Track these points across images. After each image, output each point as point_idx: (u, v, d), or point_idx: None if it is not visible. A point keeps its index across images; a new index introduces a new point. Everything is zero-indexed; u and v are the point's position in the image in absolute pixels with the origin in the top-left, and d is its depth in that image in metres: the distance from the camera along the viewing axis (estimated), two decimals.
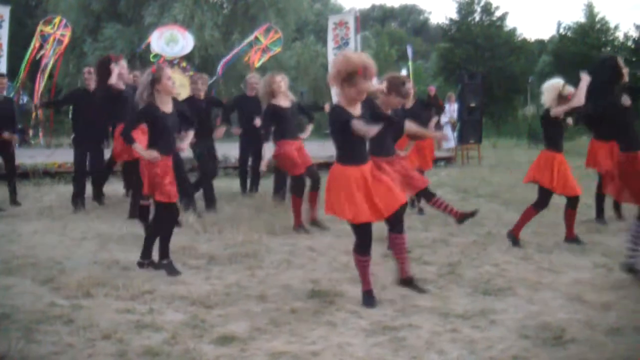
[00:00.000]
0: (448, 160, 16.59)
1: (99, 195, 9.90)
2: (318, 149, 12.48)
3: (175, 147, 6.46)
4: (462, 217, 7.02)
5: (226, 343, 4.44)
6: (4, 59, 15.57)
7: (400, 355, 4.25)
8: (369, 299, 5.27)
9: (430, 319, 4.94)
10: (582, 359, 4.17)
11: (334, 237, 7.65)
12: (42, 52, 16.91)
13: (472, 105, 16.97)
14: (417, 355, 4.26)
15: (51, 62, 16.95)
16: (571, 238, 7.33)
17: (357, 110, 5.20)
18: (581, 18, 35.98)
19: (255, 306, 5.21)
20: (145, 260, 6.30)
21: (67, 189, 10.83)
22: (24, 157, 12.31)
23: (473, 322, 4.85)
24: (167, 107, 6.19)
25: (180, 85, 16.77)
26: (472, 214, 7.03)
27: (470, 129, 16.96)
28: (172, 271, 6.13)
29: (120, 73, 8.92)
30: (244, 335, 4.58)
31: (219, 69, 18.43)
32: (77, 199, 9.45)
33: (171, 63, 17.09)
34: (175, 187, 6.21)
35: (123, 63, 9.13)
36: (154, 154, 6.03)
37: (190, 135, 6.91)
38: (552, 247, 7.21)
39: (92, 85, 9.52)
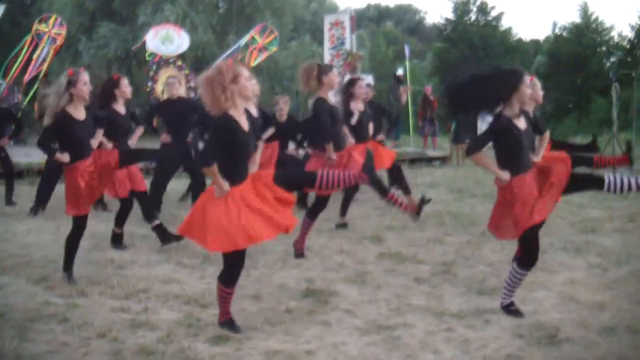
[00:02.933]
0: (443, 160, 16.61)
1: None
2: None
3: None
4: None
5: (221, 342, 4.44)
6: None
7: (394, 355, 4.26)
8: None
9: (424, 318, 4.95)
10: (576, 358, 4.19)
11: (328, 237, 7.66)
12: (36, 51, 16.83)
13: None
14: (411, 354, 4.27)
15: (47, 61, 16.86)
16: None
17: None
18: (576, 18, 36.10)
19: (250, 305, 5.21)
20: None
21: (61, 189, 10.79)
22: (19, 156, 12.27)
23: (467, 322, 4.87)
24: (81, 114, 5.88)
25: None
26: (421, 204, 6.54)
27: (465, 129, 16.94)
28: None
29: None
30: (239, 334, 4.58)
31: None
32: (43, 204, 9.17)
33: (167, 61, 17.08)
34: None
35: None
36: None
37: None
38: (546, 247, 7.22)
39: None
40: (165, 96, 14.62)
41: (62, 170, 9.39)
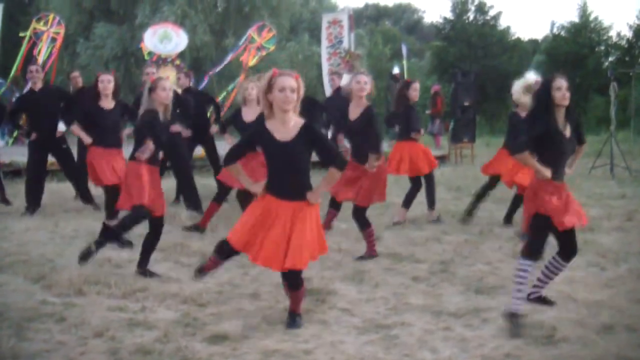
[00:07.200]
0: (442, 159, 16.60)
1: (85, 195, 9.70)
2: None
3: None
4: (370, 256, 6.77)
5: (218, 341, 4.43)
6: None
7: (392, 353, 4.25)
8: None
9: (422, 317, 4.95)
10: (574, 357, 4.18)
11: (325, 236, 7.62)
12: (36, 50, 16.83)
13: (466, 104, 16.95)
14: (409, 353, 4.26)
15: (45, 59, 16.85)
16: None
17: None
18: (575, 18, 36.07)
19: (248, 304, 5.20)
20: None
21: (59, 187, 10.80)
22: (17, 155, 12.25)
23: (465, 321, 4.86)
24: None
25: (174, 82, 16.76)
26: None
27: (463, 128, 16.94)
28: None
29: None
30: (237, 333, 4.57)
31: (205, 76, 18.40)
32: (36, 204, 9.14)
33: (165, 61, 17.07)
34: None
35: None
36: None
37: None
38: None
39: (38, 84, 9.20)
40: None
41: (45, 170, 9.39)
